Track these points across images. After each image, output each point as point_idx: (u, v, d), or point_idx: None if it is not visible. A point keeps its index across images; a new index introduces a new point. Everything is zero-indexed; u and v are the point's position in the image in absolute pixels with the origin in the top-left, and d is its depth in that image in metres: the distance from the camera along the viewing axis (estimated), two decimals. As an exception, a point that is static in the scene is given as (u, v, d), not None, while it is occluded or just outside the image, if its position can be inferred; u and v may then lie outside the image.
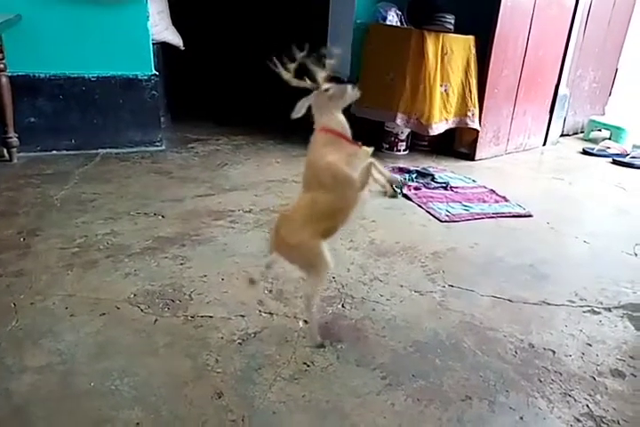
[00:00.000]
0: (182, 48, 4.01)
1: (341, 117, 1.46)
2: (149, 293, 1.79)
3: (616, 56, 5.22)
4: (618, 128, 4.69)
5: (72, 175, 2.92)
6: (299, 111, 1.42)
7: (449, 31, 3.56)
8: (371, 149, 1.45)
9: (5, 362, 1.41)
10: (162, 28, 3.68)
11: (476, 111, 3.75)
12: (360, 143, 1.45)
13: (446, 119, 3.72)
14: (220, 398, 1.33)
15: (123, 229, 2.28)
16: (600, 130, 4.96)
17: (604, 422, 1.34)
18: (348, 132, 1.46)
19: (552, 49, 4.12)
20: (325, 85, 1.42)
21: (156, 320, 1.64)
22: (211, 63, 5.16)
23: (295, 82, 1.42)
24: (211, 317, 1.67)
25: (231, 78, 5.19)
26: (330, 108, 1.44)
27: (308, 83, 1.43)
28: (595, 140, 4.77)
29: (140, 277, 1.89)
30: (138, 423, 1.23)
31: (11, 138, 3.02)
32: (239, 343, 1.55)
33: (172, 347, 1.52)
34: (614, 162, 4.12)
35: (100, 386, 1.34)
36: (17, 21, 2.88)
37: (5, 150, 3.05)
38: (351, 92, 1.45)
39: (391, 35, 3.64)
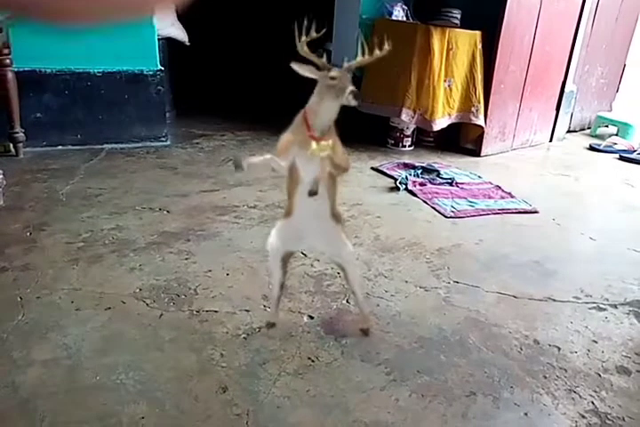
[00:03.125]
0: (188, 44, 4.00)
1: (331, 106, 1.33)
2: (155, 287, 1.79)
3: (624, 52, 5.19)
4: (625, 124, 4.66)
5: (78, 170, 2.92)
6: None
7: (455, 26, 3.54)
8: (322, 150, 1.33)
9: (12, 355, 1.42)
10: (167, 24, 3.67)
11: (481, 107, 3.72)
12: (317, 137, 1.32)
13: (449, 114, 3.71)
14: (224, 392, 1.33)
15: (128, 223, 2.29)
16: (607, 126, 4.92)
17: (608, 419, 1.34)
18: (330, 123, 1.34)
19: (559, 44, 4.09)
20: (333, 73, 1.29)
21: (161, 315, 1.64)
22: (216, 59, 5.16)
23: (305, 52, 1.30)
24: (216, 311, 1.68)
25: (236, 74, 5.18)
26: (326, 94, 1.32)
27: (317, 58, 1.32)
28: (602, 137, 4.74)
29: (146, 272, 1.89)
30: (143, 418, 1.24)
31: (17, 133, 3.02)
32: (244, 338, 1.55)
33: (177, 341, 1.52)
34: (621, 158, 4.09)
35: (106, 380, 1.35)
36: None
37: (12, 145, 3.06)
38: (353, 101, 1.31)
39: (397, 30, 3.61)
